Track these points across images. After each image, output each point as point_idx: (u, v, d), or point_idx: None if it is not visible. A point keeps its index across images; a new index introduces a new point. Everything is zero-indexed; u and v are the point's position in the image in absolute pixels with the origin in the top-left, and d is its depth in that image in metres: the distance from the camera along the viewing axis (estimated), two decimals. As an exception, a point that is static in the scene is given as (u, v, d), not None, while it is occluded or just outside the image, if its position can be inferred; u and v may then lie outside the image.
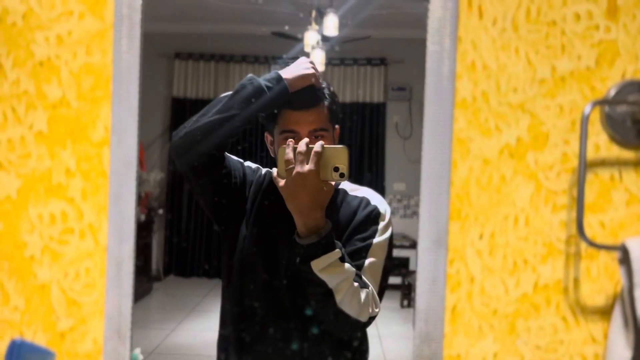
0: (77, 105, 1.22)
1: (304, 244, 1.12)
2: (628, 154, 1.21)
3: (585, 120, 1.14)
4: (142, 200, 2.42)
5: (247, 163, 1.33)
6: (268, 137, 1.29)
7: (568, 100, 1.21)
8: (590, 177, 1.20)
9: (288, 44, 2.20)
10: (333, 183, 1.17)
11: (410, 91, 2.80)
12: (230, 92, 1.22)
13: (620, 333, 1.14)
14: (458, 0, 1.20)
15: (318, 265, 1.12)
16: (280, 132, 1.23)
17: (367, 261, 1.21)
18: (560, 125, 1.21)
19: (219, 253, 1.35)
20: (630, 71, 1.20)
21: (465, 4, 1.20)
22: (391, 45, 2.73)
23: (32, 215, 1.23)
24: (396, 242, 2.88)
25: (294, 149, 1.11)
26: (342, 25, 2.08)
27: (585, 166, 1.15)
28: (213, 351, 1.38)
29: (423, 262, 1.21)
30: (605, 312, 1.20)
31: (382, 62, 2.86)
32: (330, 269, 1.13)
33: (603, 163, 1.21)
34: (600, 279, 1.21)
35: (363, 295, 1.17)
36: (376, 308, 1.20)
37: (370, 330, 1.34)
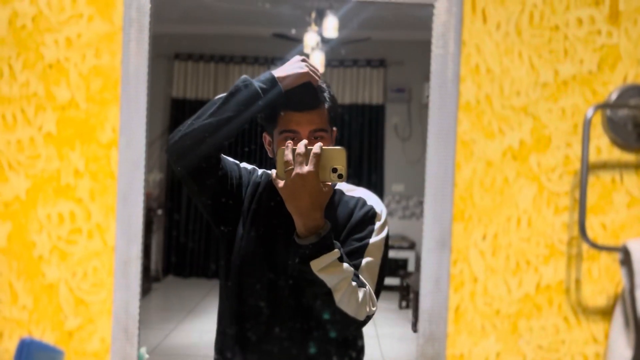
0: (85, 107, 1.23)
1: (303, 244, 1.13)
2: (629, 157, 1.23)
3: (587, 124, 1.16)
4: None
5: (243, 164, 1.34)
6: (266, 138, 1.30)
7: (570, 103, 1.23)
8: (591, 179, 1.22)
9: (288, 45, 2.21)
10: (330, 184, 1.18)
11: (410, 93, 2.82)
12: (224, 95, 1.22)
13: (621, 333, 1.16)
14: (462, 5, 1.21)
15: (317, 265, 1.13)
16: (280, 133, 1.24)
17: (364, 261, 1.23)
18: (563, 128, 1.23)
19: (218, 254, 1.36)
20: (631, 75, 1.22)
21: (469, 8, 1.22)
22: (391, 46, 2.74)
23: (41, 215, 1.24)
24: (394, 243, 2.90)
25: (293, 151, 1.12)
26: (341, 27, 2.09)
27: (587, 169, 1.17)
28: (212, 351, 1.39)
29: (427, 263, 1.22)
30: (606, 313, 1.22)
31: (382, 63, 2.88)
32: (329, 268, 1.14)
33: (604, 166, 1.23)
34: (602, 280, 1.23)
35: (361, 294, 1.18)
36: (373, 307, 1.22)
37: (369, 331, 1.36)
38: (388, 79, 2.91)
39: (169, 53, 2.78)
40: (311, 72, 1.23)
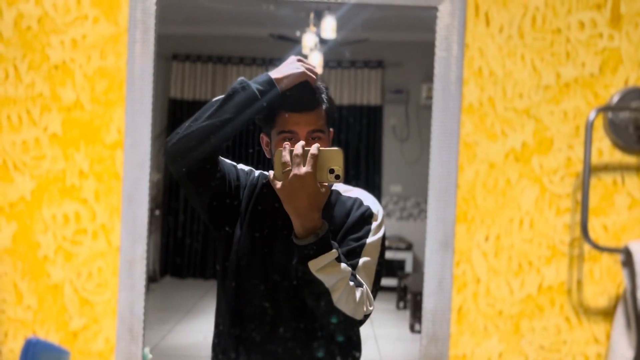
0: (91, 108, 1.24)
1: (301, 245, 1.13)
2: (630, 159, 1.24)
3: (589, 126, 1.18)
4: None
5: (240, 166, 1.34)
6: (264, 138, 1.30)
7: (572, 106, 1.24)
8: (593, 181, 1.23)
9: (286, 46, 2.22)
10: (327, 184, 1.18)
11: (408, 94, 2.83)
12: (221, 97, 1.23)
13: (623, 334, 1.18)
14: (466, 8, 1.23)
15: (315, 266, 1.13)
16: (278, 133, 1.25)
17: (361, 261, 1.23)
18: (565, 131, 1.24)
19: (215, 255, 1.37)
20: (633, 78, 1.24)
21: (472, 11, 1.23)
22: (388, 48, 2.75)
23: (46, 215, 1.24)
24: (392, 244, 2.91)
25: (291, 152, 1.12)
26: (339, 28, 2.10)
27: (589, 171, 1.18)
28: (210, 352, 1.39)
29: (430, 264, 1.23)
30: (607, 313, 1.24)
31: (380, 64, 2.89)
32: (327, 269, 1.14)
33: (606, 168, 1.24)
34: (603, 281, 1.24)
35: (358, 294, 1.19)
36: (370, 306, 1.22)
37: (366, 332, 1.37)
38: (386, 80, 2.92)
39: (167, 54, 2.78)
40: (308, 72, 1.24)
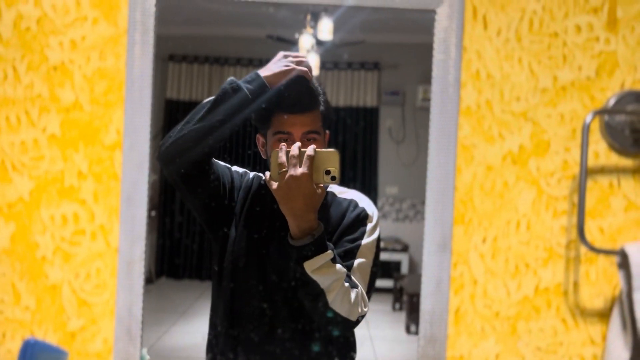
0: (90, 109, 1.24)
1: (297, 246, 1.14)
2: (626, 162, 1.25)
3: (586, 129, 1.19)
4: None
5: (235, 168, 1.35)
6: (260, 139, 1.31)
7: (569, 109, 1.25)
8: (589, 183, 1.24)
9: (283, 47, 2.22)
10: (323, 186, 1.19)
11: (404, 96, 2.84)
12: (212, 98, 1.23)
13: (619, 335, 1.19)
14: (464, 11, 1.23)
15: (311, 266, 1.14)
16: (274, 134, 1.25)
17: (356, 262, 1.24)
18: (561, 133, 1.25)
19: (211, 256, 1.37)
20: (629, 81, 1.25)
21: (470, 14, 1.24)
22: (385, 50, 2.76)
23: (45, 216, 1.24)
24: (388, 245, 2.92)
25: (287, 153, 1.13)
26: (336, 30, 2.11)
27: (585, 173, 1.19)
28: (204, 354, 1.39)
29: (428, 265, 1.24)
30: (603, 315, 1.25)
31: (376, 66, 2.90)
32: (322, 269, 1.15)
33: (602, 170, 1.25)
34: (599, 283, 1.25)
35: (353, 295, 1.19)
36: (365, 307, 1.22)
37: (362, 333, 1.37)
38: (382, 81, 2.93)
39: (164, 54, 2.78)
40: (296, 67, 1.24)
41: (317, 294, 1.15)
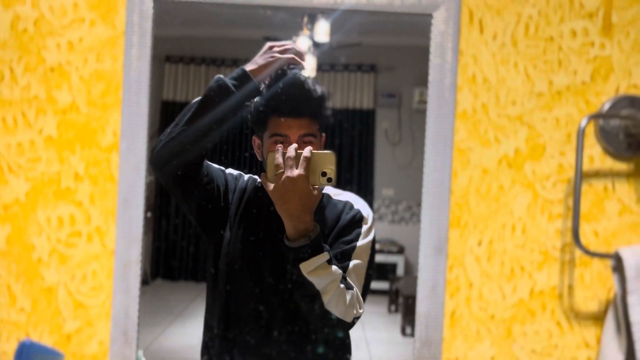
0: (87, 111, 1.24)
1: (293, 247, 1.14)
2: (621, 166, 1.26)
3: (581, 133, 1.19)
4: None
5: (229, 170, 1.35)
6: (256, 141, 1.31)
7: (564, 113, 1.26)
8: (584, 187, 1.25)
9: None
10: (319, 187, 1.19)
11: (400, 98, 2.84)
12: (199, 98, 1.23)
13: (613, 338, 1.19)
14: (460, 15, 1.24)
15: (307, 268, 1.14)
16: (270, 136, 1.25)
17: (352, 263, 1.24)
18: (557, 137, 1.26)
19: (206, 257, 1.37)
20: (623, 86, 1.26)
21: (466, 19, 1.25)
22: (381, 52, 2.76)
23: (41, 218, 1.24)
24: (384, 247, 2.92)
25: (283, 154, 1.13)
26: (333, 32, 2.11)
27: (581, 177, 1.20)
28: (198, 356, 1.39)
29: (424, 268, 1.24)
30: (598, 318, 1.25)
31: (372, 68, 2.90)
32: (318, 271, 1.15)
33: (597, 174, 1.26)
34: (594, 286, 1.26)
35: (348, 296, 1.19)
36: (360, 309, 1.23)
37: (358, 335, 1.37)
38: (378, 84, 2.93)
39: (160, 55, 2.78)
40: (281, 57, 1.23)
41: (313, 295, 1.15)
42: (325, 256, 1.15)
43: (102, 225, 1.24)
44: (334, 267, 1.17)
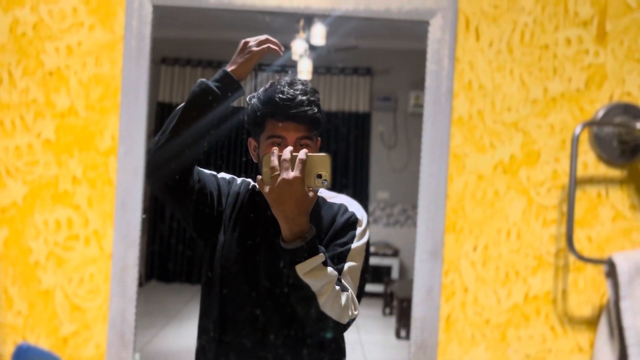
0: (85, 115, 1.25)
1: (289, 249, 1.15)
2: (614, 172, 1.28)
3: (575, 140, 1.21)
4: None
5: (221, 174, 1.36)
6: (252, 143, 1.32)
7: (559, 120, 1.27)
8: (578, 193, 1.26)
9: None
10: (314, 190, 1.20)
11: (396, 101, 2.85)
12: (183, 105, 1.24)
13: (606, 342, 1.21)
14: (456, 23, 1.25)
15: (303, 269, 1.15)
16: (267, 138, 1.26)
17: (347, 265, 1.25)
18: (551, 144, 1.27)
19: (201, 261, 1.38)
20: (617, 94, 1.27)
21: (463, 26, 1.26)
22: (377, 55, 2.77)
23: (38, 221, 1.25)
24: (379, 250, 2.93)
25: (279, 157, 1.14)
26: (329, 35, 2.12)
27: (575, 183, 1.21)
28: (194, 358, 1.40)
29: (419, 273, 1.25)
30: (591, 323, 1.27)
31: (368, 72, 2.91)
32: (314, 272, 1.16)
33: (591, 181, 1.27)
34: (587, 291, 1.27)
35: (344, 298, 1.21)
36: (355, 311, 1.24)
37: (352, 337, 1.38)
38: (374, 87, 2.94)
39: (156, 57, 2.77)
40: (256, 49, 1.26)
41: (309, 297, 1.16)
42: (321, 258, 1.16)
43: (100, 229, 1.25)
44: (330, 269, 1.18)
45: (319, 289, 1.17)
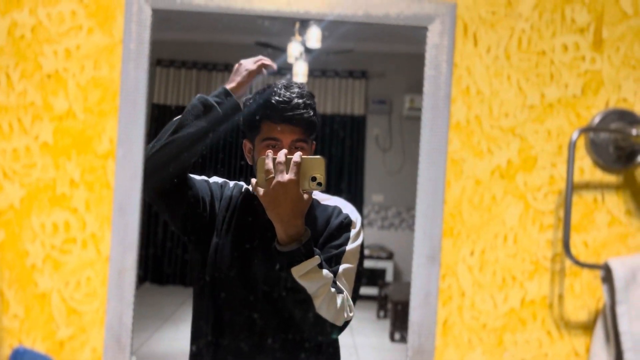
0: (83, 118, 1.24)
1: (284, 251, 1.16)
2: (610, 178, 1.28)
3: (572, 146, 1.21)
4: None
5: (213, 179, 1.37)
6: (247, 145, 1.32)
7: (556, 125, 1.28)
8: (575, 199, 1.27)
9: (271, 54, 2.23)
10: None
11: (391, 105, 2.86)
12: (180, 117, 1.26)
13: (602, 347, 1.21)
14: (455, 29, 1.26)
15: (299, 272, 1.16)
16: (262, 140, 1.27)
17: (341, 267, 1.26)
18: (548, 149, 1.28)
19: (195, 265, 1.38)
20: (613, 100, 1.28)
21: (461, 32, 1.27)
22: (372, 58, 2.78)
23: (35, 224, 1.24)
24: (373, 253, 2.93)
25: (274, 160, 1.15)
26: (325, 38, 2.12)
27: (571, 189, 1.22)
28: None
29: (417, 277, 1.26)
30: (587, 327, 1.27)
31: (364, 75, 2.92)
32: (309, 275, 1.16)
33: (587, 186, 1.28)
34: (583, 296, 1.28)
35: (339, 300, 1.21)
36: (351, 313, 1.25)
37: (346, 340, 1.38)
38: (369, 90, 2.95)
39: (151, 59, 2.77)
40: (252, 68, 1.30)
41: (304, 299, 1.17)
42: (316, 260, 1.17)
43: (97, 232, 1.24)
44: (325, 271, 1.18)
45: (314, 292, 1.17)
